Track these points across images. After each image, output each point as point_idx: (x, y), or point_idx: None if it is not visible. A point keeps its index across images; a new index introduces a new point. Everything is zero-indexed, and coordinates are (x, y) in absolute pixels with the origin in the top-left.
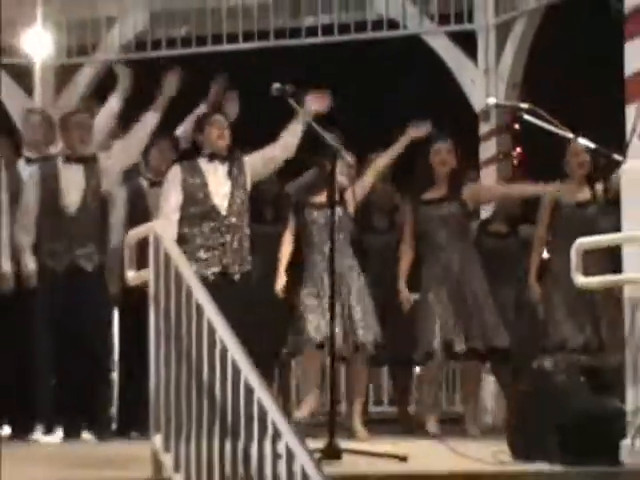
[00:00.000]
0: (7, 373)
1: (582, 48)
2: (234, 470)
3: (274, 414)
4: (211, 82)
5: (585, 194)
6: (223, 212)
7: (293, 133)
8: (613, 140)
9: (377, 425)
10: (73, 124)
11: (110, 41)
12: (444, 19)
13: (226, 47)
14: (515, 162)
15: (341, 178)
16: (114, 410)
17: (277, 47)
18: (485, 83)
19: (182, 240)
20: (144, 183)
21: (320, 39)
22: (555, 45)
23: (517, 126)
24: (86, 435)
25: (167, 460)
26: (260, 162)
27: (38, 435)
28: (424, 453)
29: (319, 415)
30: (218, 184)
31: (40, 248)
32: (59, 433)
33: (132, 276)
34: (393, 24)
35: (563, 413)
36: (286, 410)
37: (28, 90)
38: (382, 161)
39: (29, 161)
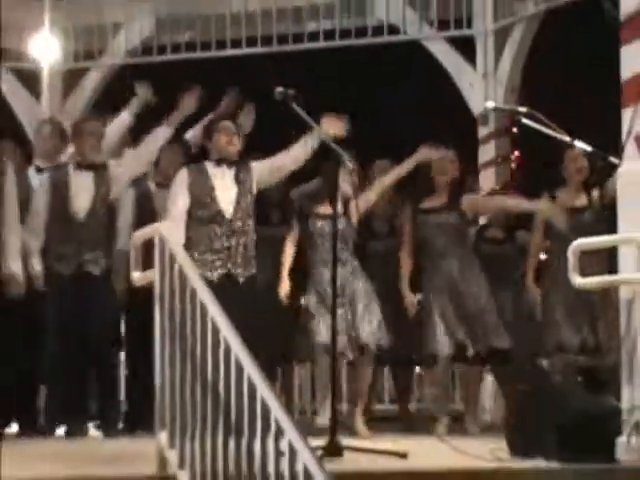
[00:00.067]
0: (15, 373)
1: (579, 53)
2: (237, 467)
3: (277, 412)
4: (224, 93)
5: (582, 200)
6: (229, 216)
7: (305, 148)
8: (610, 143)
9: (378, 423)
10: (85, 131)
11: (116, 46)
12: (443, 25)
13: (230, 52)
14: (513, 165)
15: (344, 186)
16: (121, 408)
17: (280, 52)
18: (484, 87)
19: (188, 243)
20: (152, 186)
21: (322, 44)
22: (553, 50)
23: (515, 130)
24: (93, 432)
25: (172, 457)
26: (268, 170)
27: (44, 433)
28: (424, 450)
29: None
30: (225, 189)
31: (49, 252)
32: (64, 430)
33: (138, 276)
34: (393, 29)
35: (560, 412)
36: (289, 409)
37: (36, 94)
38: (388, 179)
39: (39, 170)
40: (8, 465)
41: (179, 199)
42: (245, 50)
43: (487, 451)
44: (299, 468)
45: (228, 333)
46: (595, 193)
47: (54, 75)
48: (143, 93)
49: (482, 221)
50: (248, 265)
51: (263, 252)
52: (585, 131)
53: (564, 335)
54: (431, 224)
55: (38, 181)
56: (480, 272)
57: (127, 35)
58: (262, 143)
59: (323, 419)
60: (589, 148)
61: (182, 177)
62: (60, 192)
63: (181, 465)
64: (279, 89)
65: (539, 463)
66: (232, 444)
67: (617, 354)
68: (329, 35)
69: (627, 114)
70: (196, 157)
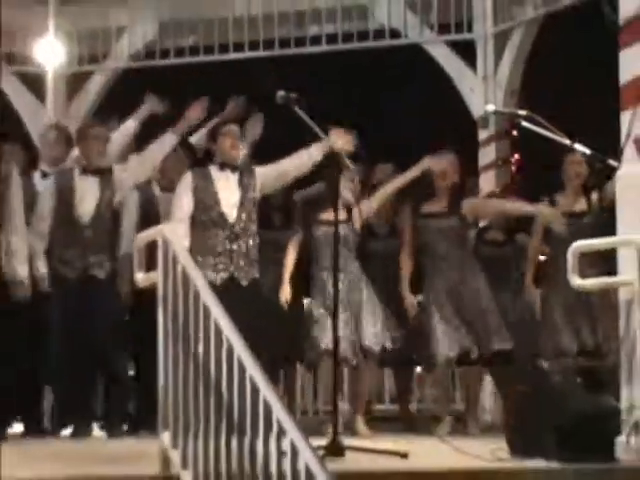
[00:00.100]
0: (20, 374)
1: (578, 57)
2: (240, 466)
3: (279, 412)
4: (227, 97)
5: (581, 204)
6: (231, 220)
7: (312, 156)
8: (609, 146)
9: (379, 423)
10: (90, 136)
11: (120, 50)
12: (444, 29)
13: (232, 56)
14: (513, 168)
15: (346, 193)
16: (126, 408)
17: (282, 56)
18: (484, 91)
19: (191, 246)
20: (156, 190)
21: (324, 48)
22: (552, 54)
23: (515, 132)
24: (97, 433)
25: (175, 457)
26: (273, 175)
27: (48, 433)
28: (424, 450)
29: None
30: (228, 192)
31: (54, 256)
32: (69, 430)
33: (141, 278)
34: (395, 33)
35: (560, 412)
36: (291, 409)
37: (40, 97)
38: (390, 188)
39: (45, 175)
40: (12, 465)
41: (183, 202)
42: (248, 54)
43: (487, 451)
44: (301, 468)
45: (231, 334)
46: (594, 196)
47: (58, 79)
48: (152, 104)
49: (482, 223)
50: (251, 268)
51: (266, 256)
52: (584, 134)
53: (563, 339)
54: (432, 229)
55: (43, 186)
56: (480, 274)
57: (131, 39)
58: (265, 146)
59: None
60: (588, 151)
61: (187, 181)
62: (65, 196)
63: (184, 465)
64: (281, 93)
65: (539, 463)
66: (235, 444)
67: (616, 355)
68: (331, 39)
69: (626, 117)
70: (201, 161)
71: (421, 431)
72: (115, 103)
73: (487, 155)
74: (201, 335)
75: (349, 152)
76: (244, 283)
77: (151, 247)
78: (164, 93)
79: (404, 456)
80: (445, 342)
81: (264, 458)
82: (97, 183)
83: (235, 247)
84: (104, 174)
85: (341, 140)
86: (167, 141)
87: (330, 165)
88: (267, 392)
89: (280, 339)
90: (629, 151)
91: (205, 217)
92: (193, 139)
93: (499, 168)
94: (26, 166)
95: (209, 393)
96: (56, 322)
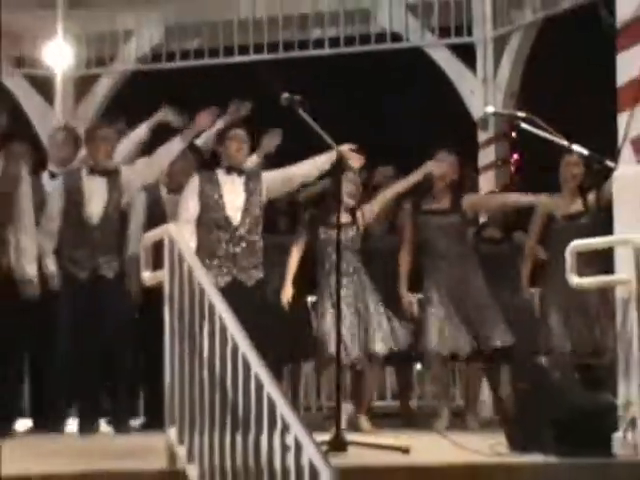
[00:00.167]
0: (29, 371)
1: (576, 59)
2: (245, 461)
3: (283, 408)
4: (231, 99)
5: (577, 205)
6: (235, 223)
7: (319, 166)
8: (606, 147)
9: (380, 419)
10: (98, 137)
11: (127, 53)
12: (445, 32)
13: (237, 59)
14: (512, 168)
15: (346, 199)
16: (132, 405)
17: (286, 58)
18: (484, 93)
19: (196, 248)
20: (163, 191)
21: (327, 51)
22: (550, 56)
23: (514, 134)
24: (104, 428)
25: (181, 452)
26: (279, 180)
27: (56, 429)
28: (425, 445)
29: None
30: (233, 196)
31: (63, 256)
32: (76, 426)
33: (148, 276)
34: (396, 37)
35: (558, 408)
36: (295, 405)
37: (49, 100)
38: (393, 191)
39: (53, 176)
40: (20, 460)
41: (190, 205)
42: (252, 56)
43: (487, 446)
44: (305, 463)
45: (236, 332)
46: (591, 196)
47: (67, 81)
48: (166, 114)
49: (482, 219)
50: (255, 270)
51: (271, 259)
52: (582, 135)
53: (559, 337)
54: (432, 226)
55: (51, 187)
56: (479, 271)
57: (137, 42)
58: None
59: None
60: (586, 152)
61: (194, 184)
62: (74, 197)
63: (190, 460)
64: (285, 95)
65: (537, 458)
66: (239, 439)
67: (613, 352)
68: (334, 42)
69: (623, 119)
70: (208, 163)
71: (421, 427)
72: (122, 105)
73: (487, 156)
74: (206, 332)
75: (357, 168)
76: (249, 284)
77: (157, 247)
78: (170, 95)
79: (406, 451)
80: (438, 340)
81: (268, 453)
82: (105, 184)
83: (238, 250)
84: (111, 175)
85: (350, 157)
86: (175, 146)
87: (334, 173)
88: (271, 389)
89: (284, 338)
90: (626, 152)
91: (210, 220)
92: (199, 141)
93: (498, 169)
94: (35, 166)
95: (214, 390)
96: (65, 321)
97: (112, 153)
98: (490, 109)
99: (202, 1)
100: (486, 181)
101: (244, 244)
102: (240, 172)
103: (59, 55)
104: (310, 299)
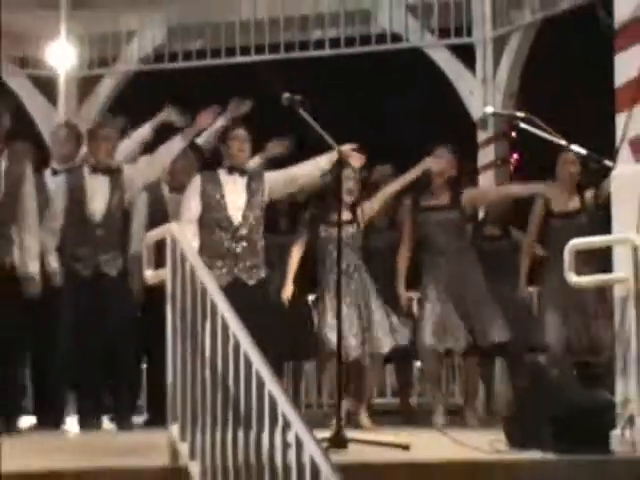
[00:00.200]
0: (33, 368)
1: (574, 60)
2: (246, 458)
3: (284, 405)
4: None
5: (575, 203)
6: (236, 223)
7: (320, 167)
8: (605, 147)
9: (380, 416)
10: (100, 136)
11: (130, 54)
12: (444, 33)
13: (239, 59)
14: (512, 168)
15: (346, 197)
16: (136, 402)
17: (287, 59)
18: (483, 93)
19: (199, 247)
20: (165, 191)
21: (327, 51)
22: (549, 57)
23: (513, 134)
24: (107, 425)
25: (183, 449)
26: (281, 181)
27: (60, 425)
28: (425, 442)
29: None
30: (235, 196)
31: (66, 253)
32: (79, 423)
33: (150, 275)
34: (396, 37)
35: (557, 405)
36: (296, 403)
37: (52, 100)
38: (392, 188)
39: (55, 173)
40: (23, 457)
41: (192, 205)
42: (253, 57)
43: (486, 443)
44: (306, 459)
45: (237, 330)
46: (589, 194)
47: (70, 82)
48: (170, 114)
49: (481, 214)
50: (257, 269)
51: (272, 260)
52: (581, 135)
53: (557, 334)
54: (432, 222)
55: (54, 184)
56: (478, 267)
57: (140, 43)
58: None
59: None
60: (584, 152)
61: (196, 184)
62: (76, 196)
63: (192, 457)
64: (286, 95)
65: (536, 455)
66: (241, 436)
67: (611, 350)
68: (334, 43)
69: (621, 119)
70: (210, 164)
71: (421, 424)
72: (125, 105)
73: (486, 156)
74: (208, 330)
75: (358, 167)
76: (250, 283)
77: (160, 245)
78: (172, 95)
79: (406, 448)
80: (433, 335)
81: (270, 450)
82: (107, 182)
83: (239, 249)
84: (114, 173)
85: (350, 156)
86: (176, 145)
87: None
88: (272, 386)
89: (286, 337)
90: (624, 152)
91: (212, 219)
92: (200, 140)
93: (498, 168)
94: (38, 164)
95: (216, 387)
96: (68, 318)
97: (114, 152)
98: (489, 109)
99: (204, 2)
100: (486, 180)
101: (246, 244)
102: (242, 172)
103: (62, 56)
104: (311, 297)
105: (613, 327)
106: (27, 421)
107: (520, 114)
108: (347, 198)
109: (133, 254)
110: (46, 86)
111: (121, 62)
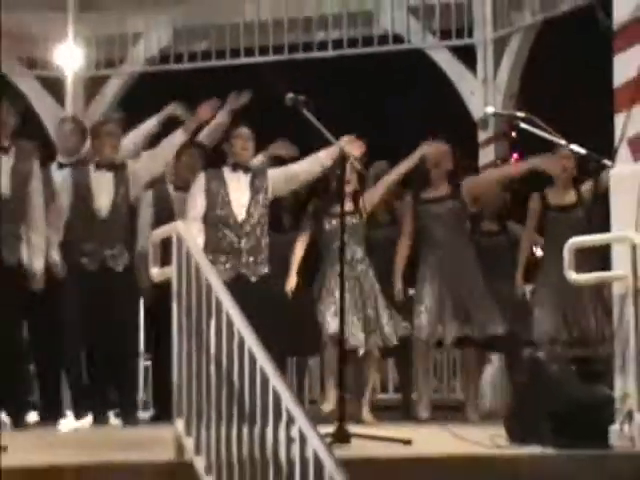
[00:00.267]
0: (36, 362)
1: (574, 61)
2: (251, 453)
3: (288, 401)
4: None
5: (571, 197)
6: (240, 220)
7: (321, 162)
8: (603, 147)
9: (382, 411)
10: (103, 133)
11: (136, 55)
12: (446, 34)
13: (243, 60)
14: None
15: (346, 187)
16: (140, 397)
17: (291, 60)
18: (484, 94)
19: (204, 244)
20: (170, 188)
21: (330, 53)
22: (549, 58)
23: (514, 134)
24: (113, 420)
25: (189, 443)
26: (283, 178)
27: (66, 420)
28: (426, 437)
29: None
30: (239, 193)
31: (72, 248)
32: (88, 419)
33: (156, 273)
34: (398, 39)
35: (556, 400)
36: (300, 398)
37: (60, 100)
38: (393, 176)
39: (61, 166)
40: (29, 452)
41: (197, 202)
42: (258, 58)
43: (486, 438)
44: (309, 454)
45: (242, 326)
46: (587, 186)
47: (77, 82)
48: (175, 108)
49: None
50: (260, 265)
51: (276, 257)
52: (580, 135)
53: (553, 328)
54: (432, 214)
55: (60, 177)
56: (476, 261)
57: (146, 44)
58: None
59: (329, 405)
60: (584, 151)
61: (200, 182)
62: (82, 192)
63: (197, 451)
64: (290, 95)
65: (536, 449)
66: (246, 431)
67: (610, 345)
68: (337, 44)
69: (620, 119)
70: (214, 161)
71: (422, 419)
72: (131, 105)
73: (487, 155)
74: (213, 327)
75: (357, 157)
76: (253, 279)
77: (166, 244)
78: (178, 96)
79: (407, 443)
80: (426, 327)
81: (274, 445)
82: (112, 178)
83: (243, 245)
84: (118, 169)
85: (350, 147)
86: (177, 138)
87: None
88: (277, 382)
89: (289, 333)
90: (623, 152)
91: (216, 216)
92: (202, 136)
93: (498, 167)
94: (44, 159)
95: (221, 383)
96: (73, 312)
97: (118, 147)
98: (490, 109)
99: (209, 5)
100: None
101: (249, 240)
102: (246, 169)
103: (70, 57)
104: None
105: (609, 320)
106: (34, 416)
107: (520, 114)
108: (346, 187)
109: (140, 251)
110: (54, 87)
111: (127, 63)
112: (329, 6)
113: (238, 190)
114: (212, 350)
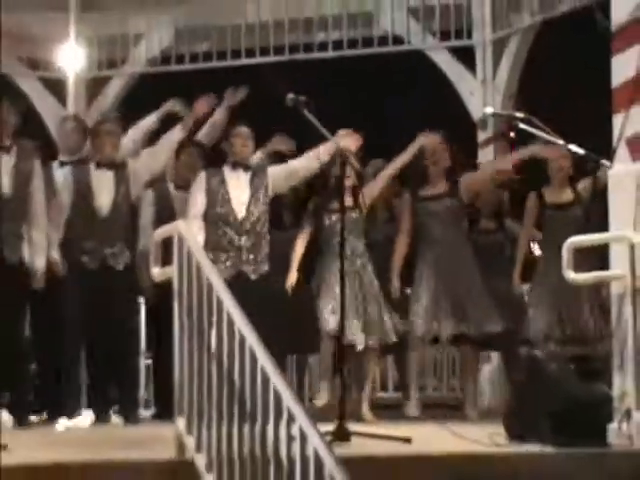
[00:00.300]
0: (39, 361)
1: (572, 62)
2: (251, 451)
3: (288, 400)
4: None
5: (567, 195)
6: (240, 217)
7: (319, 157)
8: (602, 147)
9: (382, 410)
10: (103, 132)
11: (137, 56)
12: (445, 35)
13: (244, 61)
14: (511, 167)
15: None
16: (141, 395)
17: (291, 61)
18: (483, 94)
19: (204, 242)
20: (171, 188)
21: (330, 53)
22: (548, 59)
23: (513, 134)
24: (114, 419)
25: (190, 442)
26: (282, 175)
27: (70, 419)
28: (426, 436)
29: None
30: (239, 191)
31: (73, 246)
32: (89, 418)
33: (158, 272)
34: (398, 40)
35: (555, 399)
36: (300, 397)
37: (62, 101)
38: (391, 169)
39: (62, 164)
40: (32, 450)
41: (197, 201)
42: (258, 59)
43: (485, 436)
44: (310, 452)
45: (243, 326)
46: (586, 182)
47: (79, 83)
48: (174, 104)
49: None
50: (260, 263)
51: (277, 255)
52: (579, 135)
53: (547, 326)
54: (430, 211)
55: (61, 175)
56: (473, 258)
57: (147, 45)
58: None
59: (321, 400)
60: (582, 152)
61: (200, 180)
62: (82, 191)
63: (198, 449)
64: (291, 96)
65: (535, 448)
66: (246, 430)
67: (608, 344)
68: (337, 45)
69: (618, 119)
70: (214, 160)
71: (422, 417)
72: (132, 106)
73: (486, 156)
74: (214, 327)
75: (354, 151)
76: (253, 277)
77: (167, 243)
78: (179, 96)
79: (407, 441)
80: (422, 324)
81: (274, 443)
82: (112, 177)
83: (243, 243)
84: (118, 168)
85: (347, 140)
86: (176, 135)
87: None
88: (277, 381)
89: (289, 331)
90: (621, 152)
91: (216, 214)
92: (201, 134)
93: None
94: (45, 157)
95: (222, 382)
96: (73, 311)
97: (118, 146)
98: (489, 110)
99: (211, 6)
100: None
101: (250, 237)
102: (246, 167)
103: (71, 57)
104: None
105: (605, 319)
106: (38, 415)
107: (519, 114)
108: (345, 181)
109: (142, 250)
110: (56, 87)
111: (129, 64)
112: (329, 7)
113: (238, 188)
114: (213, 349)
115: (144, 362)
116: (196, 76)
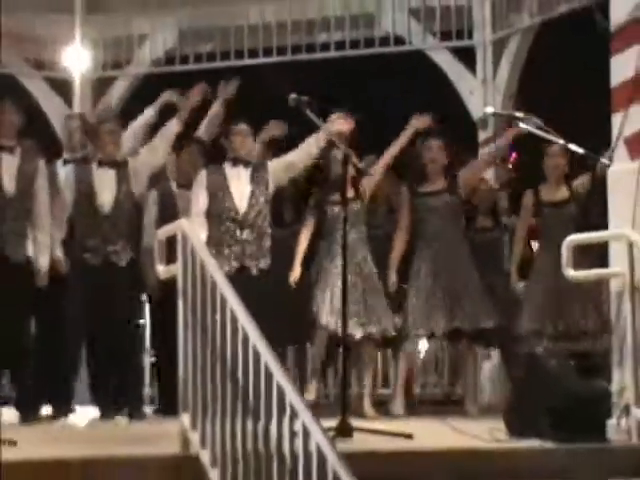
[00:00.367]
0: (45, 357)
1: (572, 62)
2: (255, 446)
3: (291, 396)
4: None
5: (563, 192)
6: (242, 212)
7: (313, 146)
8: (601, 146)
9: (382, 406)
10: (103, 131)
11: (142, 56)
12: (446, 36)
13: (247, 61)
14: (511, 166)
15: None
16: (146, 392)
17: (294, 61)
18: (483, 94)
19: (207, 238)
20: (173, 186)
21: (333, 54)
22: (547, 59)
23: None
24: (119, 415)
25: (194, 437)
26: (281, 168)
27: (75, 415)
28: (427, 432)
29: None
30: (240, 187)
31: (76, 244)
32: (95, 414)
33: (162, 270)
34: (399, 40)
35: (554, 395)
36: (302, 393)
37: (68, 101)
38: (388, 156)
39: (66, 162)
40: (36, 446)
41: (199, 198)
42: (261, 60)
43: (485, 431)
44: (312, 448)
45: (246, 322)
46: (581, 180)
47: (85, 83)
48: (170, 95)
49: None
50: (262, 258)
51: (278, 251)
52: (578, 135)
53: (542, 322)
54: (428, 207)
55: (64, 173)
56: (470, 255)
57: (152, 46)
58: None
59: (310, 395)
60: (582, 151)
61: (202, 178)
62: (85, 190)
63: (203, 445)
64: (293, 96)
65: (534, 443)
66: (250, 425)
67: (607, 340)
68: (339, 45)
69: (617, 119)
70: (215, 157)
71: (423, 414)
72: (137, 106)
73: None
74: (218, 323)
75: (346, 134)
76: (254, 272)
77: (171, 241)
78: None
79: (409, 437)
80: (417, 320)
81: (277, 439)
82: (114, 175)
83: (245, 237)
84: (120, 166)
85: (339, 125)
86: (172, 127)
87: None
88: (280, 377)
89: (288, 323)
90: (620, 151)
91: (218, 210)
92: (200, 132)
93: (497, 166)
94: (49, 156)
95: (226, 378)
96: (76, 308)
97: (119, 144)
98: (489, 109)
99: (214, 7)
100: None
101: (252, 232)
102: (246, 164)
103: (77, 58)
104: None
105: (599, 315)
106: (45, 410)
107: (519, 114)
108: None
109: (146, 247)
110: (62, 88)
111: (134, 65)
112: (331, 8)
113: (239, 184)
114: (217, 346)
115: (149, 359)
116: (200, 76)
